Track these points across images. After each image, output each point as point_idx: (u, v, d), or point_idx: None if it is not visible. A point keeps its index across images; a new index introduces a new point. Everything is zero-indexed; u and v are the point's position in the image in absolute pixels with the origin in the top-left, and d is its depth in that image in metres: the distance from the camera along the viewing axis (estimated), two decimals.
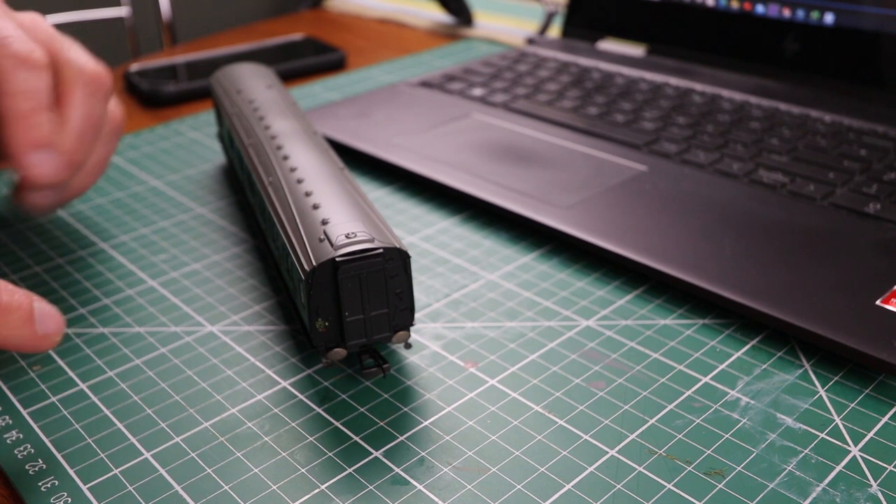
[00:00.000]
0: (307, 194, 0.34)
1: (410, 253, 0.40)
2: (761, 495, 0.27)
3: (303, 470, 0.29)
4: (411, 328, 0.36)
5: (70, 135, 0.37)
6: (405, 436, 0.30)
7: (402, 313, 0.32)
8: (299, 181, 0.35)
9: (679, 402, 0.31)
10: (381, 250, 0.30)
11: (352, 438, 0.30)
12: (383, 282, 0.31)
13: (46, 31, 0.38)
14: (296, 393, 0.32)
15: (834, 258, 0.37)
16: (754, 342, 0.34)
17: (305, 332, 0.33)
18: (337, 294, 0.30)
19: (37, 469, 0.29)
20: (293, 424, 0.31)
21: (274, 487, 0.28)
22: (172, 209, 0.47)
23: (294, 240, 0.32)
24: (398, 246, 0.31)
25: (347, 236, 0.31)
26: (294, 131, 0.40)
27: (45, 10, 1.26)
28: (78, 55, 0.38)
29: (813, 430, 0.30)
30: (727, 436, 0.30)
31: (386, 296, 0.31)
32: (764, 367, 0.33)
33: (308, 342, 0.32)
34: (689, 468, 0.28)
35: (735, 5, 0.59)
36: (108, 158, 0.41)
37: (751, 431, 0.30)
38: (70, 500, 0.28)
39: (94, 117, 0.38)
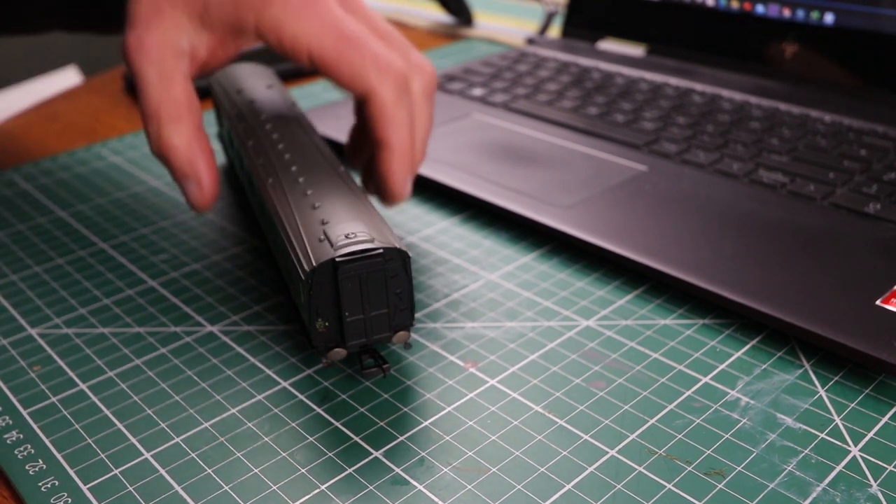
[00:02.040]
0: (307, 194, 0.34)
1: (410, 253, 0.40)
2: (761, 495, 0.27)
3: (303, 470, 0.29)
4: (411, 328, 0.36)
5: (420, 145, 0.37)
6: (405, 436, 0.30)
7: (401, 313, 0.32)
8: (299, 181, 0.35)
9: (679, 402, 0.31)
10: (381, 250, 0.30)
11: (352, 438, 0.30)
12: (383, 282, 0.31)
13: (384, 27, 0.37)
14: (296, 393, 0.32)
15: (834, 258, 0.37)
16: (754, 342, 0.34)
17: (305, 332, 0.33)
18: (337, 294, 0.30)
19: (37, 469, 0.29)
20: (293, 424, 0.31)
21: (274, 487, 0.28)
22: (172, 209, 0.47)
23: (294, 240, 0.32)
24: (398, 246, 0.31)
25: (347, 236, 0.31)
26: (294, 131, 0.40)
27: None
28: (417, 57, 0.37)
29: (813, 430, 0.30)
30: (727, 436, 0.30)
31: (386, 296, 0.31)
32: (764, 367, 0.33)
33: (308, 342, 0.32)
34: (689, 468, 0.28)
35: (735, 5, 0.59)
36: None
37: (751, 431, 0.30)
38: (70, 500, 0.28)
39: (432, 118, 0.38)
